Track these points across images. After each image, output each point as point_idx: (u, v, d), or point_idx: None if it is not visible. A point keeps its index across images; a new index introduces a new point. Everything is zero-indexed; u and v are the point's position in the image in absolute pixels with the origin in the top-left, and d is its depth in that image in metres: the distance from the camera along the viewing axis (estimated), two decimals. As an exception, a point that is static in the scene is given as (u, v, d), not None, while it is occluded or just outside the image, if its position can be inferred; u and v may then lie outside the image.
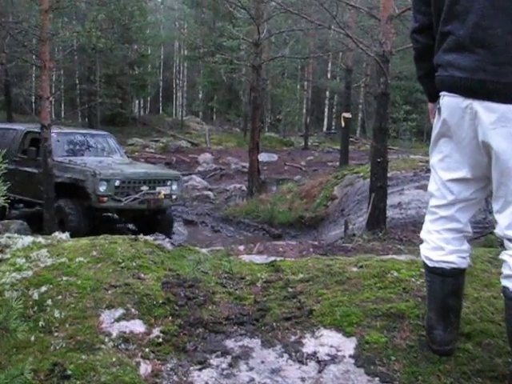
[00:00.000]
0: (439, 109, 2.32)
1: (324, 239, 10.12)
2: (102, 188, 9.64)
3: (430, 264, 2.46)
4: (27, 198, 10.85)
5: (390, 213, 9.59)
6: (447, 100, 2.25)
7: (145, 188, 10.11)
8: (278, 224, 13.02)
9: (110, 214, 10.77)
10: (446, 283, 2.41)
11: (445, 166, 2.35)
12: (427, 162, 13.78)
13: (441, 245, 2.39)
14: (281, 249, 7.26)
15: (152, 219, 10.73)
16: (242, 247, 7.32)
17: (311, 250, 7.26)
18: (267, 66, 25.09)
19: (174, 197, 10.68)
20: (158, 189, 10.31)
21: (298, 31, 19.12)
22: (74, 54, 28.12)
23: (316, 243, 7.64)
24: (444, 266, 2.39)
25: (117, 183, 9.80)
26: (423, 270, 3.01)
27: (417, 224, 9.07)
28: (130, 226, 11.46)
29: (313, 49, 25.25)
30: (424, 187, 10.72)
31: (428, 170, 12.38)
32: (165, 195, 10.37)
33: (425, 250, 2.49)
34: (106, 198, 9.71)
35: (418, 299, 2.83)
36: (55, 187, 10.09)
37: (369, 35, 9.01)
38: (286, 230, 12.82)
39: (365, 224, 8.72)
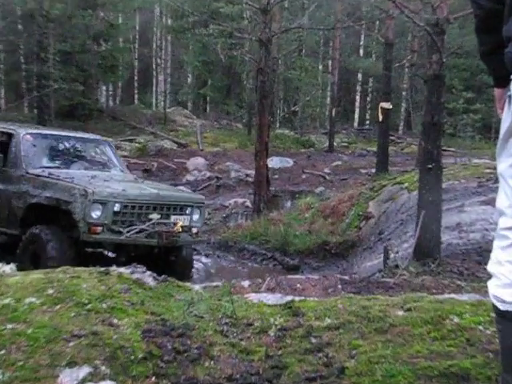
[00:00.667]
0: (510, 97, 2.32)
1: (356, 272, 10.09)
2: (96, 213, 9.24)
3: (502, 307, 2.43)
4: None
5: (445, 237, 9.57)
6: None
7: (155, 216, 9.76)
8: (294, 252, 13.00)
9: (103, 251, 10.39)
10: None
11: None
12: (496, 168, 13.79)
13: None
14: (299, 285, 7.29)
15: (163, 260, 10.25)
16: (246, 283, 7.35)
17: (339, 286, 7.29)
18: (279, 41, 25.21)
19: (194, 230, 10.30)
20: (172, 218, 9.95)
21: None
22: (18, 23, 28.36)
23: (346, 278, 7.65)
24: None
25: (116, 208, 9.40)
26: (493, 315, 3.02)
27: (483, 252, 9.03)
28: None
29: (340, 16, 25.37)
30: (492, 202, 10.70)
31: (497, 180, 12.40)
32: (182, 227, 10.07)
33: (494, 288, 2.46)
34: (99, 228, 9.29)
35: (489, 355, 2.83)
36: (29, 210, 9.84)
37: (417, -2, 9.03)
38: (304, 259, 12.80)
39: (411, 252, 8.69)
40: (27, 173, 9.98)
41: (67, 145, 11.44)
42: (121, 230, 9.35)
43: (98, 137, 13.09)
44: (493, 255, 2.50)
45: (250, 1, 17.00)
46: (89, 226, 9.13)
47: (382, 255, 9.40)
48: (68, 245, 9.46)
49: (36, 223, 9.71)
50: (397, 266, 8.32)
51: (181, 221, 9.90)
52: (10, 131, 10.56)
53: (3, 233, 10.45)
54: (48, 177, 9.90)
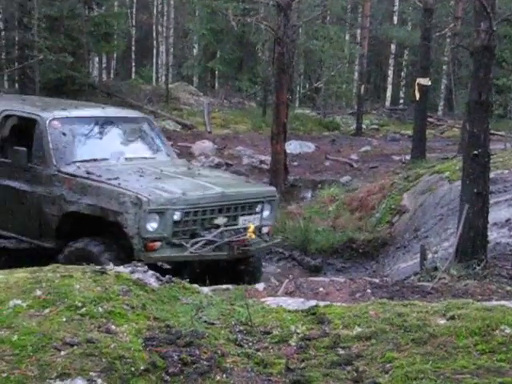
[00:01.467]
0: None
1: (388, 275, 10.10)
2: (152, 226, 8.48)
3: None
4: (9, 232, 9.73)
5: (493, 235, 9.55)
6: None
7: (221, 221, 9.10)
8: (316, 250, 13.03)
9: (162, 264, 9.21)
10: None
11: None
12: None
13: None
14: (322, 289, 7.32)
15: (230, 270, 9.66)
16: (261, 286, 7.40)
17: (369, 291, 7.31)
18: (300, 5, 25.18)
19: (264, 230, 9.76)
20: (241, 220, 9.33)
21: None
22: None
23: (376, 281, 7.68)
24: None
25: (176, 216, 8.65)
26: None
27: (536, 253, 9.05)
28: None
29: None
30: (548, 196, 10.69)
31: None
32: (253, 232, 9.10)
33: None
34: (158, 244, 8.55)
35: (546, 370, 2.84)
36: (65, 219, 9.07)
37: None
38: (327, 259, 12.84)
39: (453, 252, 8.69)
40: (59, 171, 9.10)
41: (101, 128, 10.48)
42: (183, 243, 8.67)
43: (136, 113, 12.28)
44: None
45: (266, -41, 16.99)
46: (145, 242, 8.42)
47: (419, 255, 9.40)
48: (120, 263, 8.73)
49: (75, 234, 8.97)
50: (436, 269, 8.32)
51: (251, 222, 9.32)
52: (33, 117, 9.60)
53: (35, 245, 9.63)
54: (87, 178, 9.03)
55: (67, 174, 9.02)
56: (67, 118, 9.86)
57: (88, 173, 9.04)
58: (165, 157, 10.84)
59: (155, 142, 11.05)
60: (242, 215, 9.30)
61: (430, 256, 9.44)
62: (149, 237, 8.36)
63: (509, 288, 7.23)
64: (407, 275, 9.31)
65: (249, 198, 9.55)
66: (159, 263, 8.61)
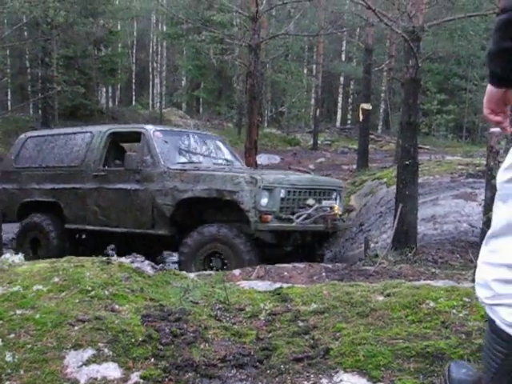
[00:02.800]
0: None
1: (340, 261, 10.12)
2: (264, 201, 8.28)
3: None
4: (124, 228, 9.36)
5: (421, 228, 9.61)
6: None
7: (311, 202, 8.93)
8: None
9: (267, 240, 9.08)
10: None
11: None
12: (467, 164, 13.87)
13: None
14: (286, 273, 7.31)
15: (310, 246, 9.58)
16: (237, 272, 7.37)
17: (324, 274, 7.32)
18: (267, 46, 25.21)
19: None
20: (324, 202, 9.12)
21: (306, 1, 19.20)
22: (24, 30, 28.20)
23: (330, 266, 7.68)
24: None
25: (282, 194, 8.48)
26: (467, 300, 3.04)
27: (455, 242, 9.10)
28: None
29: (324, 24, 25.36)
30: (464, 196, 10.78)
31: (469, 175, 12.46)
32: (338, 209, 9.17)
33: (507, 313, 2.13)
34: (270, 217, 8.30)
35: (462, 336, 2.85)
36: (178, 207, 8.80)
37: (394, 6, 9.03)
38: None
39: (390, 242, 8.72)
40: (169, 168, 8.96)
41: (191, 141, 10.38)
42: (290, 217, 8.49)
43: (210, 133, 12.27)
44: (501, 273, 2.26)
45: (240, 9, 16.98)
46: (260, 214, 8.20)
47: (363, 245, 9.43)
48: (252, 243, 8.42)
49: (184, 221, 8.90)
50: (376, 255, 8.34)
51: (336, 205, 9.24)
52: (139, 130, 9.54)
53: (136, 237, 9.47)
54: (197, 169, 8.95)
55: (177, 169, 8.90)
56: (165, 130, 9.91)
57: (196, 167, 9.04)
58: (240, 165, 10.84)
59: (231, 155, 11.12)
60: (324, 199, 9.18)
61: (371, 245, 9.49)
62: (262, 210, 8.18)
63: (433, 270, 7.26)
64: (354, 261, 9.34)
65: (329, 186, 9.50)
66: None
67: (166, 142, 9.44)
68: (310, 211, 8.62)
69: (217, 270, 7.80)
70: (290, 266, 7.85)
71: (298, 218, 8.47)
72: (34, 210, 10.08)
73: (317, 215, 8.71)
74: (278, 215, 8.30)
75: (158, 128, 9.79)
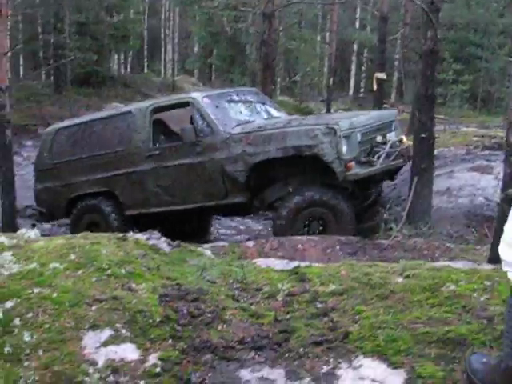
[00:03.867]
0: None
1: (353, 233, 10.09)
2: (345, 148, 7.91)
3: None
4: (194, 203, 8.89)
5: (436, 201, 9.51)
6: None
7: (380, 138, 8.60)
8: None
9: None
10: None
11: None
12: (483, 136, 13.70)
13: None
14: (300, 245, 7.28)
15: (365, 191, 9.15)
16: (251, 243, 7.35)
17: (338, 247, 7.28)
18: (280, 13, 24.92)
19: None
20: (389, 136, 8.73)
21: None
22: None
23: (343, 239, 7.62)
24: None
25: (359, 137, 8.14)
26: (488, 283, 3.00)
27: (470, 216, 9.01)
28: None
29: (338, -9, 25.05)
30: (479, 169, 10.65)
31: (485, 147, 12.31)
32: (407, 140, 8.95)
33: None
34: (353, 164, 7.95)
35: (483, 321, 2.81)
36: (251, 171, 8.36)
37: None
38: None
39: (405, 215, 8.65)
40: (231, 134, 8.51)
41: (236, 100, 9.80)
42: (372, 159, 8.22)
43: (248, 88, 11.58)
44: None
45: (254, -24, 16.76)
46: (344, 163, 7.86)
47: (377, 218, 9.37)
48: (350, 204, 8.22)
49: (257, 184, 8.52)
50: (391, 229, 8.28)
51: (404, 137, 9.02)
52: (185, 100, 9.02)
53: (216, 206, 8.89)
54: (264, 129, 8.48)
55: (240, 133, 8.46)
56: (212, 94, 9.33)
57: (259, 127, 8.59)
58: (286, 114, 10.41)
59: (274, 105, 10.65)
60: (389, 132, 8.85)
61: (386, 218, 9.41)
62: (346, 158, 7.84)
63: (448, 244, 7.21)
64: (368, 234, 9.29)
65: (388, 118, 9.20)
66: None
67: (216, 106, 8.95)
68: (386, 149, 8.33)
69: (314, 233, 7.69)
70: (303, 238, 7.81)
71: (378, 158, 8.18)
72: (82, 203, 9.54)
73: (396, 151, 8.48)
74: (358, 160, 8.02)
75: (205, 93, 9.27)
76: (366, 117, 8.73)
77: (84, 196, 9.45)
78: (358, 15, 37.81)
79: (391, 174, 9.16)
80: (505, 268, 2.32)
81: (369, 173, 8.14)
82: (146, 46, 44.05)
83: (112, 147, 9.22)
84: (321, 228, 8.04)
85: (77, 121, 10.24)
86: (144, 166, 8.93)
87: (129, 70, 43.31)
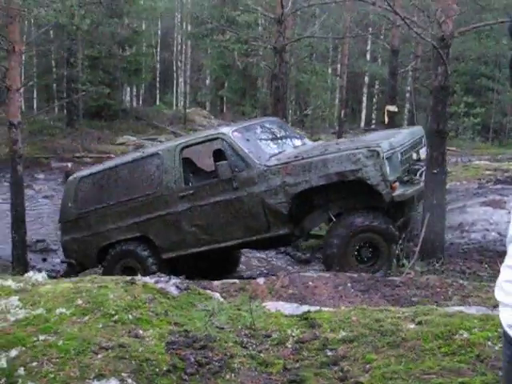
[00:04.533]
0: None
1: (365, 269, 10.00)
2: (388, 169, 7.91)
3: None
4: (235, 240, 8.77)
5: (448, 236, 9.45)
6: None
7: (414, 155, 8.77)
8: (306, 246, 12.93)
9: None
10: None
11: None
12: (495, 170, 13.64)
13: None
14: (311, 283, 7.21)
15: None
16: (261, 280, 7.28)
17: (349, 284, 7.20)
18: (291, 47, 25.10)
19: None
20: (421, 152, 8.92)
21: (332, 2, 19.04)
22: (50, 30, 28.39)
23: (355, 276, 7.55)
24: None
25: (399, 158, 8.17)
26: (502, 331, 2.92)
27: (483, 252, 8.93)
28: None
29: (349, 24, 25.20)
30: (492, 203, 10.59)
31: (498, 181, 12.25)
32: None
33: (509, 317, 2.33)
34: (397, 184, 8.01)
35: (498, 372, 2.74)
36: (293, 201, 8.33)
37: (424, 14, 8.86)
38: (315, 253, 12.73)
39: (417, 251, 8.58)
40: (267, 166, 8.42)
41: (263, 132, 9.79)
42: (412, 177, 8.35)
43: (270, 118, 11.48)
44: (500, 287, 2.35)
45: (265, 11, 16.88)
46: (389, 184, 7.90)
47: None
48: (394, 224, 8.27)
49: (300, 213, 8.51)
50: (403, 265, 8.21)
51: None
52: (214, 136, 8.93)
53: (261, 239, 8.73)
54: (301, 159, 8.34)
55: (277, 165, 8.39)
56: (240, 128, 9.26)
57: (296, 156, 8.47)
58: (310, 142, 10.45)
59: (295, 134, 10.68)
60: (420, 148, 8.95)
61: (398, 254, 9.34)
62: (390, 179, 7.89)
63: (461, 282, 7.13)
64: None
65: (419, 134, 9.28)
66: None
67: (247, 140, 8.89)
68: (423, 166, 8.38)
69: (367, 261, 7.78)
70: (314, 275, 7.76)
71: (420, 175, 8.24)
72: (114, 249, 9.28)
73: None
74: (401, 180, 8.08)
75: (234, 127, 9.20)
76: (402, 136, 8.75)
77: (116, 242, 9.23)
78: (368, 47, 38.04)
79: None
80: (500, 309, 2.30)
81: (414, 191, 8.21)
82: (158, 79, 44.47)
83: (142, 191, 9.05)
84: (370, 254, 8.07)
85: (100, 167, 10.02)
86: (178, 207, 8.80)
87: (141, 102, 43.66)
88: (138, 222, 9.04)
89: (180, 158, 9.01)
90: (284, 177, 8.23)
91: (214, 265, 9.86)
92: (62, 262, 9.93)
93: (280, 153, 8.98)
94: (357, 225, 8.06)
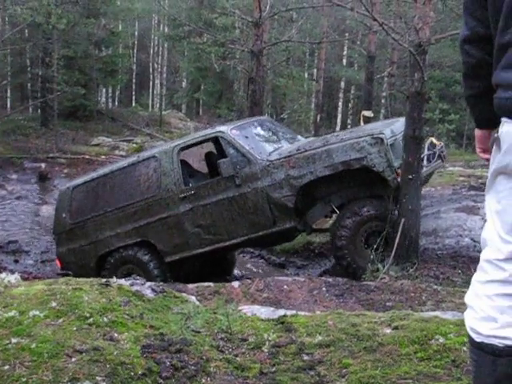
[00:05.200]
0: (496, 139, 2.27)
1: (339, 273, 10.03)
2: (392, 155, 8.00)
3: (477, 339, 2.26)
4: (240, 237, 8.72)
5: (422, 242, 9.52)
6: (508, 128, 2.19)
7: None
8: (280, 250, 12.94)
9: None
10: (499, 365, 2.20)
11: (502, 210, 2.28)
12: (469, 176, 13.77)
13: (493, 315, 2.21)
14: (286, 286, 7.22)
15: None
16: (236, 283, 7.28)
17: (324, 288, 7.23)
18: (269, 51, 25.15)
19: None
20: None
21: (309, 8, 19.12)
22: (25, 29, 28.13)
23: (330, 280, 7.58)
24: (496, 342, 2.20)
25: (401, 144, 8.25)
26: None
27: (457, 257, 9.01)
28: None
29: (326, 30, 25.31)
30: (466, 210, 10.68)
31: (471, 188, 12.36)
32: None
33: (471, 320, 2.31)
34: (399, 170, 8.10)
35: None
36: (298, 194, 8.36)
37: (401, 19, 8.94)
38: (289, 258, 12.73)
39: (391, 256, 8.63)
40: (270, 161, 8.47)
41: (259, 129, 9.74)
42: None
43: (262, 117, 11.65)
44: (471, 288, 2.39)
45: (242, 14, 16.90)
46: (395, 170, 8.03)
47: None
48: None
49: (304, 206, 8.54)
50: (377, 270, 8.26)
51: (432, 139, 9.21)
52: (212, 135, 9.07)
53: (265, 235, 8.70)
54: (304, 151, 8.37)
55: (280, 158, 8.44)
56: (238, 126, 9.32)
57: (298, 149, 8.51)
58: (303, 138, 10.48)
59: (287, 130, 10.74)
60: None
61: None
62: (395, 165, 8.02)
63: (435, 287, 7.19)
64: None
65: None
66: None
67: (246, 137, 8.92)
68: (426, 151, 8.54)
69: (376, 250, 7.83)
70: (289, 279, 7.77)
71: (423, 160, 8.33)
72: (114, 257, 9.16)
73: (432, 153, 8.70)
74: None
75: (231, 126, 9.24)
76: (401, 123, 8.77)
77: (116, 249, 9.11)
78: (345, 52, 38.21)
79: (430, 176, 9.35)
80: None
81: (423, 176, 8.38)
82: (134, 80, 44.30)
83: (140, 195, 8.98)
84: (379, 241, 8.15)
85: (94, 175, 9.87)
86: (180, 208, 8.76)
87: (117, 103, 43.44)
88: (138, 226, 8.94)
89: (178, 159, 8.98)
90: (288, 170, 8.27)
91: (213, 266, 9.91)
92: (58, 274, 9.69)
93: (278, 148, 9.03)
94: (364, 214, 8.19)
